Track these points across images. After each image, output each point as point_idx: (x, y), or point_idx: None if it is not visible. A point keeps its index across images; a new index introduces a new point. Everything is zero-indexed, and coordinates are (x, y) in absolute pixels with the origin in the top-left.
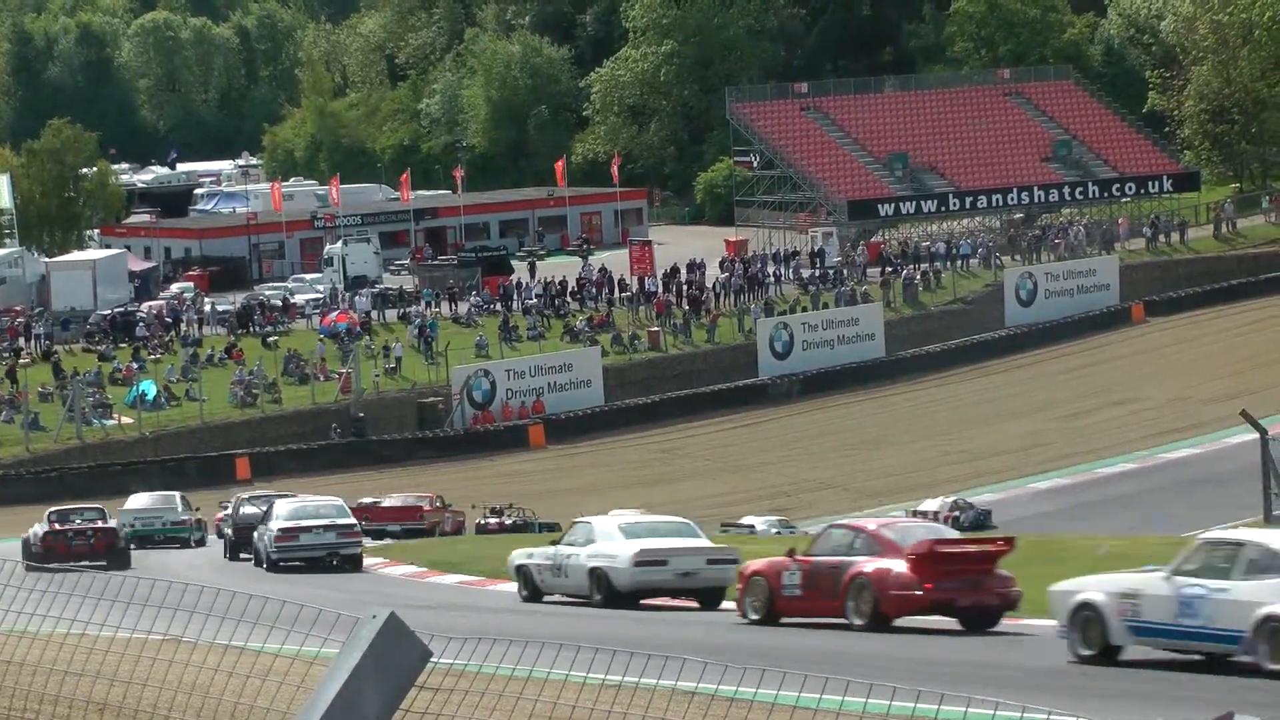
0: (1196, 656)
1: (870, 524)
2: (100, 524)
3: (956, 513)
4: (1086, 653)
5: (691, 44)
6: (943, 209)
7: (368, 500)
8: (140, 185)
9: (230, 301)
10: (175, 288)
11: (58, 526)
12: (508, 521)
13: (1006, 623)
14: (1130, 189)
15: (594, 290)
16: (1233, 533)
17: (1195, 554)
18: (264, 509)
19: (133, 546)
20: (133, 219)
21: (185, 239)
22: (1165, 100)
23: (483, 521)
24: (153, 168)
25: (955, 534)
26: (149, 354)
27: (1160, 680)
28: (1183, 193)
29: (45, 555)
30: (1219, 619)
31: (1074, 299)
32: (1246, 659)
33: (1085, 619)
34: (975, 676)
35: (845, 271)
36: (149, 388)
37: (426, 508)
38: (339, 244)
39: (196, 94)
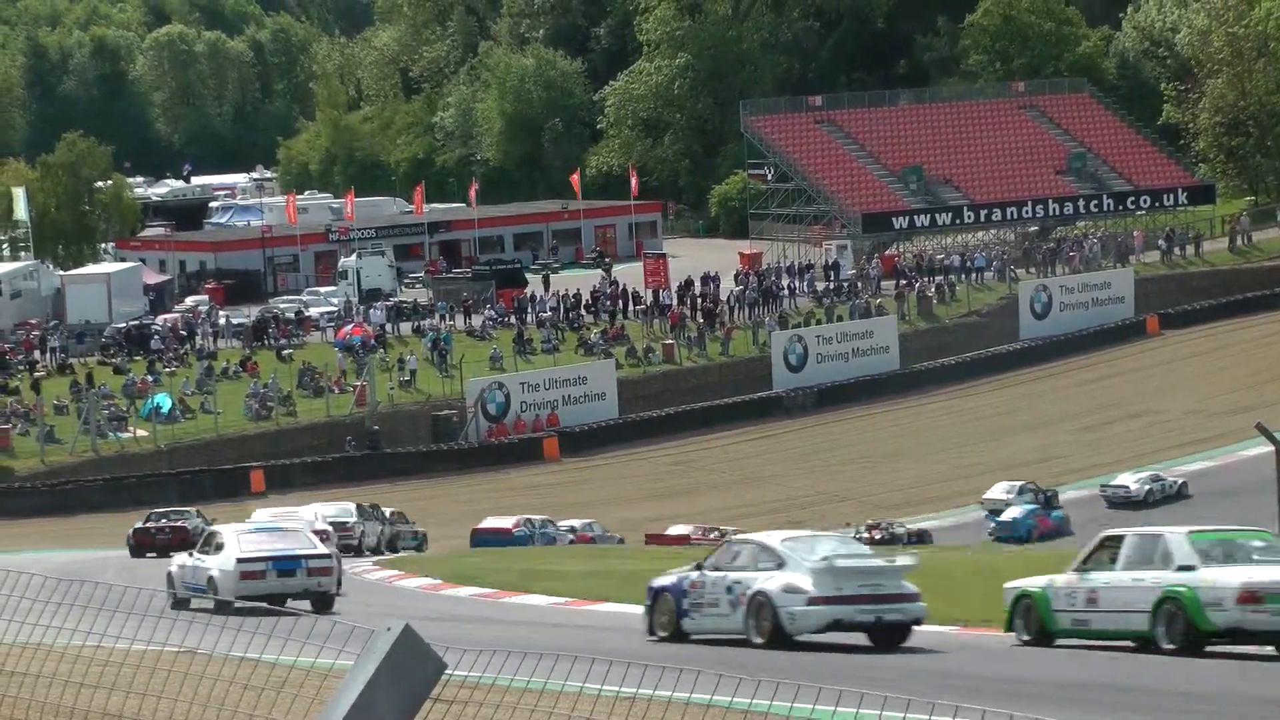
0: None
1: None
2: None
3: None
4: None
5: (705, 57)
6: (957, 222)
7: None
8: (155, 198)
9: (245, 315)
10: (190, 300)
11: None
12: (877, 536)
13: None
14: (1145, 202)
15: (608, 303)
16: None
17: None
18: None
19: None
20: (147, 232)
21: (200, 252)
22: (1180, 113)
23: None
24: (167, 181)
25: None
26: (164, 367)
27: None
28: (1198, 205)
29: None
30: (197, 579)
31: (1089, 312)
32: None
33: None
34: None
35: (859, 284)
36: (164, 401)
37: (696, 535)
38: (353, 257)
39: (211, 107)
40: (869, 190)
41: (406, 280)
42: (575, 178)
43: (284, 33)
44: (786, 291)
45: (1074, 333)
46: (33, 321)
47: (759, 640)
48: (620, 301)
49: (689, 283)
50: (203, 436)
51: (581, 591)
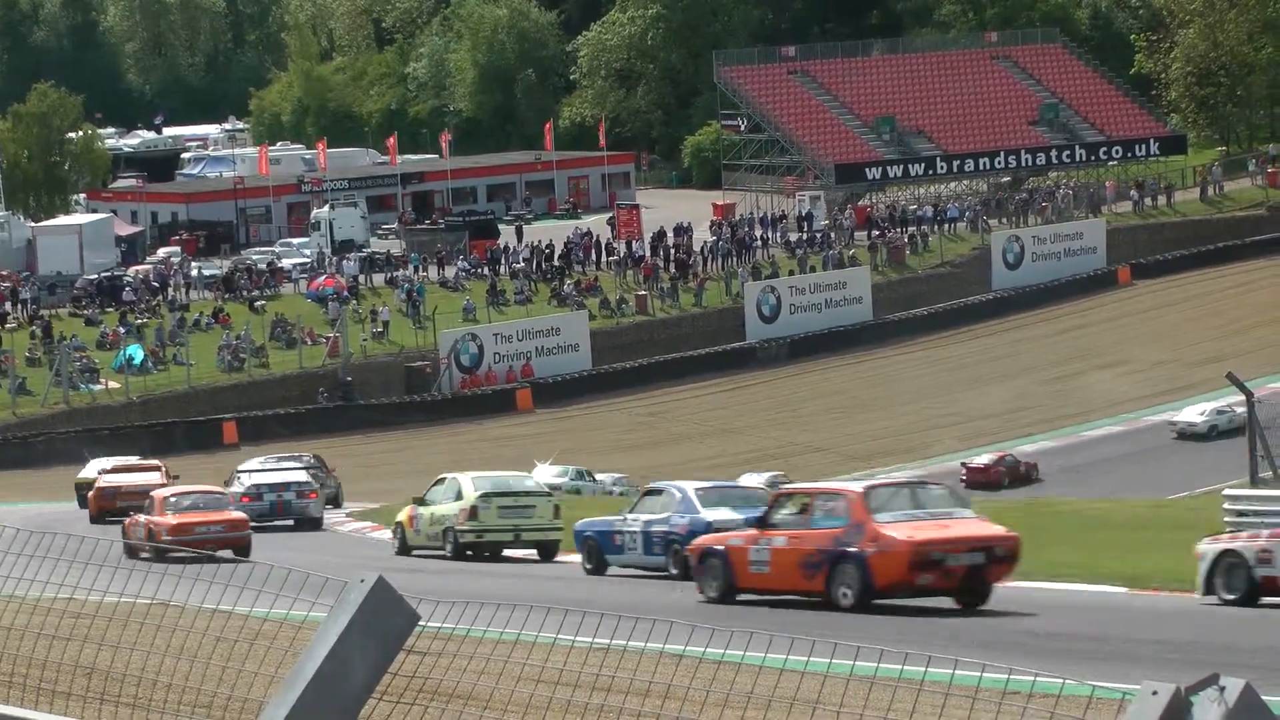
0: None
1: None
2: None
3: None
4: None
5: (679, 7)
6: (930, 172)
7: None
8: (126, 149)
9: (217, 266)
10: (162, 252)
11: None
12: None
13: None
14: (1117, 152)
15: (581, 254)
16: None
17: None
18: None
19: None
20: (119, 183)
21: (172, 203)
22: (1152, 63)
23: None
24: (139, 132)
25: None
26: (136, 318)
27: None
28: (1170, 156)
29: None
30: None
31: (1061, 262)
32: None
33: None
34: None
35: (833, 235)
36: (136, 352)
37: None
38: (326, 208)
39: (183, 58)
40: (842, 141)
41: (379, 231)
42: (548, 129)
43: None
44: (760, 242)
45: (1046, 283)
46: (4, 273)
47: None
48: (594, 252)
49: (662, 234)
50: (175, 388)
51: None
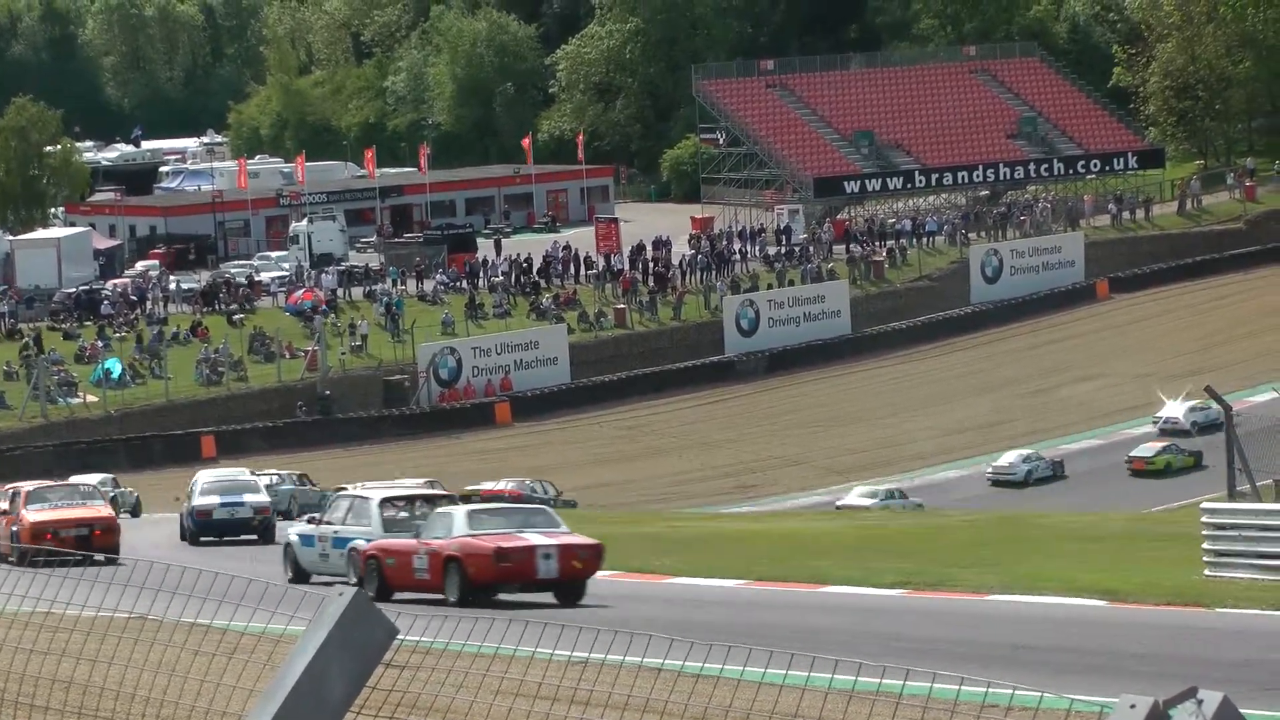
0: None
1: None
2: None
3: None
4: None
5: (658, 21)
6: (909, 186)
7: None
8: (105, 163)
9: (196, 279)
10: (140, 265)
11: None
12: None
13: None
14: (1095, 166)
15: (560, 268)
16: None
17: None
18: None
19: None
20: (97, 197)
21: (150, 217)
22: (1130, 77)
23: None
24: (117, 145)
25: None
26: (114, 332)
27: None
28: (1148, 169)
29: None
30: None
31: (1039, 276)
32: None
33: None
34: None
35: (811, 249)
36: (114, 366)
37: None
38: (305, 222)
39: (161, 71)
40: (820, 154)
41: (357, 245)
42: (527, 142)
43: None
44: (738, 256)
45: (1025, 296)
46: None
47: None
48: (573, 266)
49: (641, 247)
50: (153, 402)
51: None
